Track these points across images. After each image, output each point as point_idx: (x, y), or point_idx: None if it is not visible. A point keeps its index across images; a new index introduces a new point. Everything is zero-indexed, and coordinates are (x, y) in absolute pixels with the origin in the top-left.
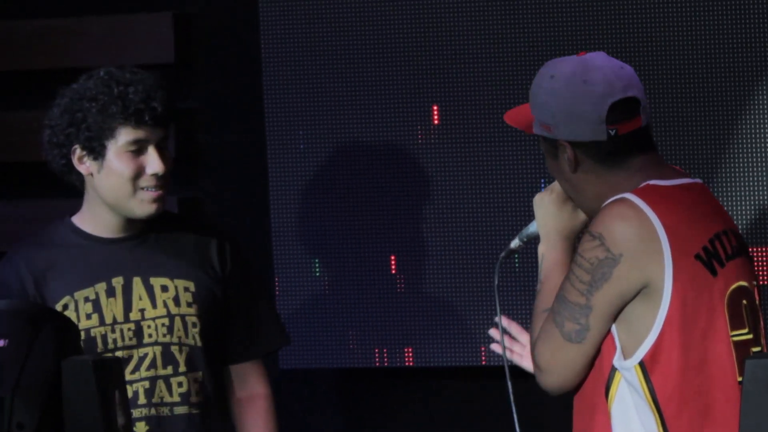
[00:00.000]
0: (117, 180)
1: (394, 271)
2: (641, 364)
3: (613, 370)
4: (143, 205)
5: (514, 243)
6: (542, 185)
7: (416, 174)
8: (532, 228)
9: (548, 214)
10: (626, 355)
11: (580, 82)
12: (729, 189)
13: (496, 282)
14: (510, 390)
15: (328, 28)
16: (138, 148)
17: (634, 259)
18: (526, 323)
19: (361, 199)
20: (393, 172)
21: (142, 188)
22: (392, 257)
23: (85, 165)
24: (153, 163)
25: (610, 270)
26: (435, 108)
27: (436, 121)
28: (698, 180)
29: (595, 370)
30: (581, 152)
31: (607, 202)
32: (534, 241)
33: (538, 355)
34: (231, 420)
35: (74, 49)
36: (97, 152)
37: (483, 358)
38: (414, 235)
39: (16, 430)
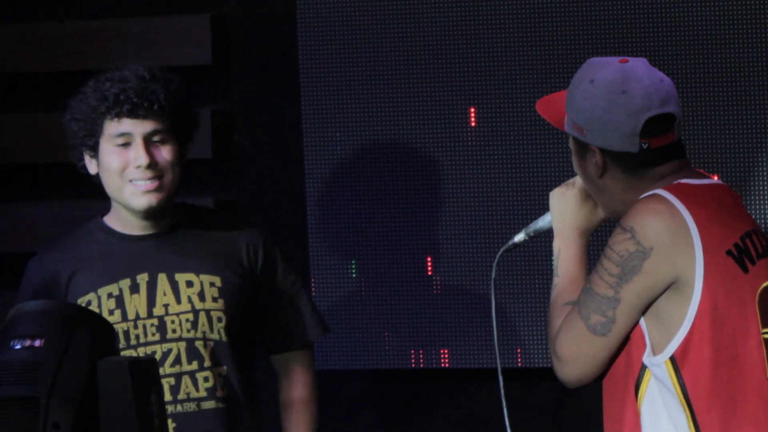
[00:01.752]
0: (108, 175)
1: (430, 273)
2: (672, 359)
3: (643, 368)
4: (135, 198)
5: (519, 237)
6: None
7: (453, 176)
8: (542, 222)
9: (568, 210)
10: (656, 351)
11: (618, 92)
12: (748, 190)
13: (494, 276)
14: (501, 388)
15: (365, 31)
16: (125, 142)
17: (665, 252)
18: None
19: (397, 200)
20: (430, 174)
21: (130, 180)
22: (428, 258)
23: (92, 165)
24: (136, 155)
25: (640, 263)
26: (472, 110)
27: (473, 123)
28: (722, 182)
29: (625, 366)
30: (610, 159)
31: (639, 198)
32: (540, 236)
33: (559, 347)
34: (259, 414)
35: (112, 51)
36: (94, 150)
37: (519, 359)
38: (450, 237)
39: (52, 430)
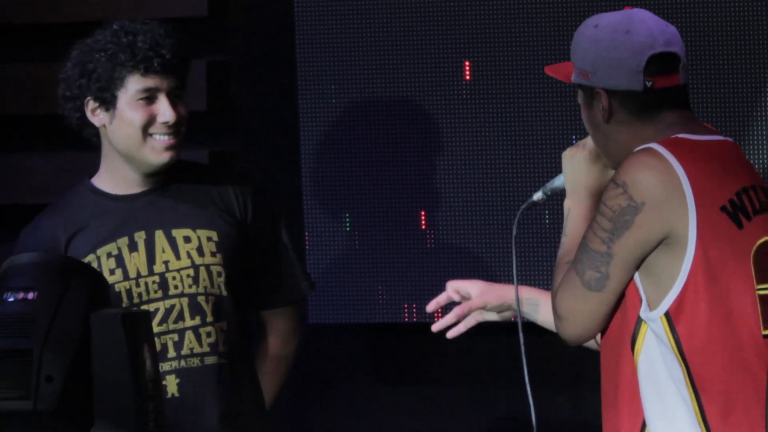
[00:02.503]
0: (129, 129)
1: (424, 227)
2: (667, 315)
3: (639, 321)
4: (155, 154)
5: (537, 195)
6: (573, 141)
7: (448, 130)
8: (558, 182)
9: (578, 170)
10: (651, 306)
11: (623, 32)
12: (759, 148)
13: (515, 233)
14: (522, 344)
15: None
16: (148, 96)
17: (657, 207)
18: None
19: (392, 154)
20: (424, 127)
21: (153, 135)
22: (422, 213)
23: (98, 117)
24: (164, 111)
25: (632, 218)
26: (467, 63)
27: (467, 77)
28: (729, 138)
29: (621, 322)
30: (616, 102)
31: (632, 152)
32: (558, 195)
33: (558, 304)
34: (255, 369)
35: (108, 3)
36: (108, 103)
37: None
38: (444, 191)
39: (45, 383)
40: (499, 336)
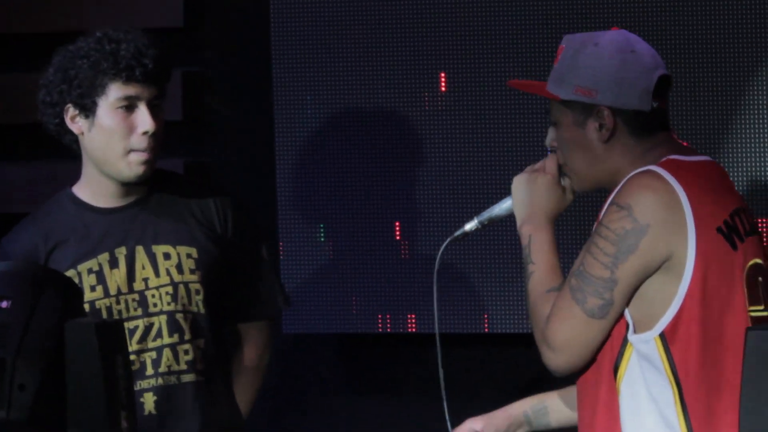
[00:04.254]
0: (107, 138)
1: (398, 237)
2: (662, 335)
3: (624, 346)
4: (132, 167)
5: (471, 225)
6: (548, 152)
7: (423, 141)
8: (498, 210)
9: (539, 195)
10: (640, 329)
11: (629, 51)
12: (735, 165)
13: (437, 267)
14: (439, 357)
15: None
16: (129, 105)
17: (661, 229)
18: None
19: (366, 165)
20: (400, 138)
21: (133, 149)
22: (397, 223)
23: (77, 124)
24: (144, 120)
25: (637, 241)
26: (442, 75)
27: (443, 89)
28: (711, 158)
29: (604, 349)
30: (620, 121)
31: (631, 174)
32: (494, 224)
33: (552, 335)
34: (232, 386)
35: (85, 12)
36: (88, 109)
37: (486, 325)
38: (419, 202)
39: (18, 392)
40: (474, 347)
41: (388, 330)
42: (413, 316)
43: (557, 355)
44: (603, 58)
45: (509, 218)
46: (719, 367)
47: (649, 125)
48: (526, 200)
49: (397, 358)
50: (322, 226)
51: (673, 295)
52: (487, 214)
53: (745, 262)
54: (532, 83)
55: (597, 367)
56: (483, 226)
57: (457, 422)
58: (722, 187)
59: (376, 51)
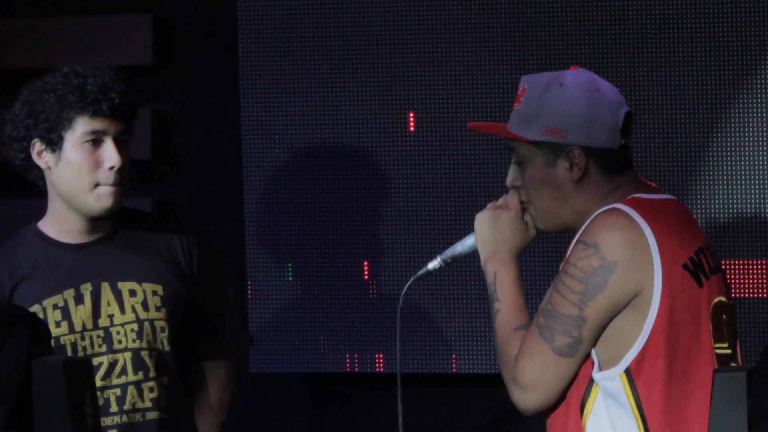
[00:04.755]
0: (74, 173)
1: (366, 277)
2: (627, 371)
3: (590, 384)
4: (100, 200)
5: (434, 264)
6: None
7: (391, 180)
8: (460, 248)
9: (502, 231)
10: (605, 366)
11: (594, 89)
12: (700, 203)
13: (401, 305)
14: (399, 396)
15: (305, 33)
16: (95, 139)
17: (628, 267)
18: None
19: (335, 204)
20: (368, 178)
21: (99, 184)
22: (365, 263)
23: (43, 159)
24: (110, 155)
25: (605, 279)
26: (411, 115)
27: (412, 128)
28: (673, 197)
29: (572, 388)
30: (591, 160)
31: (597, 213)
32: (457, 262)
33: (521, 374)
34: (195, 423)
35: (52, 50)
36: (55, 144)
37: (453, 365)
38: (387, 242)
39: None
40: (442, 387)
41: (356, 369)
42: (381, 355)
43: (526, 394)
44: (571, 98)
45: (473, 255)
46: (684, 402)
47: (618, 162)
48: (489, 237)
49: (364, 397)
50: (290, 264)
51: (639, 331)
52: (450, 252)
53: (710, 299)
54: (494, 124)
55: (565, 406)
56: (446, 265)
57: None
58: (687, 224)
59: (345, 90)
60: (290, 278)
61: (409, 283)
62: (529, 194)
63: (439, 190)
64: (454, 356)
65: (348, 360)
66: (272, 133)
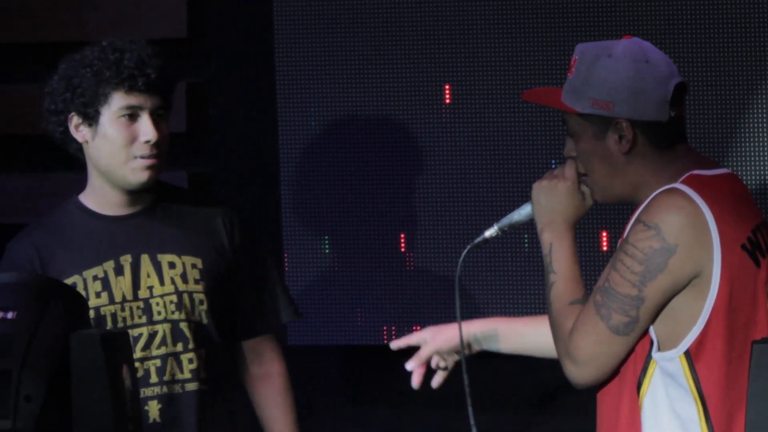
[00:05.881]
0: (110, 147)
1: (403, 249)
2: (687, 353)
3: (647, 363)
4: (136, 174)
5: (491, 232)
6: (553, 164)
7: (427, 152)
8: (517, 216)
9: (560, 202)
10: (664, 347)
11: (643, 61)
12: (748, 174)
13: (458, 273)
14: (466, 384)
15: (341, 6)
16: (131, 114)
17: (689, 249)
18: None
19: (371, 176)
20: (404, 150)
21: (135, 156)
22: (402, 235)
23: (80, 132)
24: (146, 130)
25: (665, 260)
26: (447, 87)
27: (447, 100)
28: (729, 170)
29: (627, 365)
30: (640, 131)
31: (657, 192)
32: (514, 230)
33: (576, 349)
34: (239, 396)
35: (86, 22)
36: (91, 118)
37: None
38: (424, 214)
39: (24, 402)
40: (478, 359)
41: None
42: (418, 327)
43: (579, 369)
44: (618, 71)
45: (527, 224)
46: (741, 383)
47: (668, 135)
48: (545, 207)
49: (402, 369)
50: (326, 237)
51: (699, 313)
52: (507, 220)
53: (766, 278)
54: (546, 95)
55: (619, 382)
56: (503, 233)
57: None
58: (743, 202)
59: (380, 62)
60: (327, 251)
61: (466, 251)
62: (584, 166)
63: (475, 162)
64: None
65: (385, 332)
66: (308, 105)
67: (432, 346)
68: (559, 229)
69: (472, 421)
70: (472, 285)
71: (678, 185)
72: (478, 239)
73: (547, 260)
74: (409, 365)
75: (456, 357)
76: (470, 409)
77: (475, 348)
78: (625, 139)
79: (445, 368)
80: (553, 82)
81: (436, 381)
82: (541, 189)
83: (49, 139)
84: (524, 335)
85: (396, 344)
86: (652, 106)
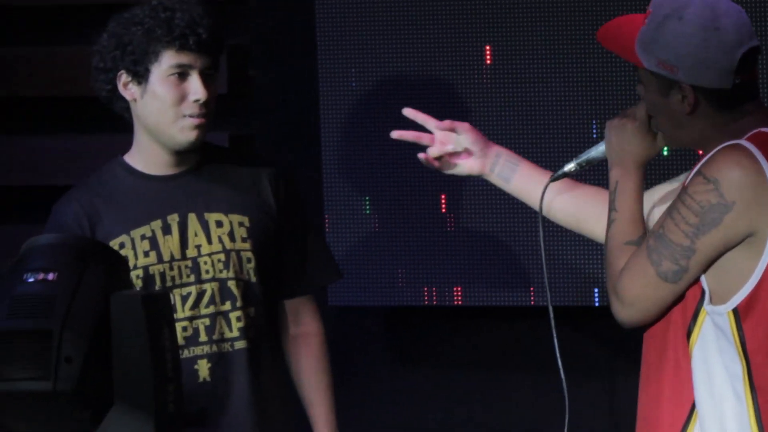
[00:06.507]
0: (159, 105)
1: (444, 210)
2: (735, 311)
3: (698, 312)
4: (184, 132)
5: (570, 166)
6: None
7: (468, 113)
8: (594, 153)
9: (628, 142)
10: (716, 301)
11: (711, 29)
12: None
13: (541, 204)
14: (553, 326)
15: None
16: (181, 73)
17: (746, 207)
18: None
19: None
20: (445, 111)
21: (184, 115)
22: (443, 196)
23: (129, 90)
24: (195, 89)
25: (720, 216)
26: (488, 48)
27: (488, 61)
28: None
29: (678, 310)
30: (702, 96)
31: (721, 147)
32: (591, 166)
33: (623, 289)
34: (281, 355)
35: None
36: (141, 76)
37: (532, 298)
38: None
39: (65, 363)
40: (520, 320)
41: (435, 303)
42: (459, 288)
43: (625, 309)
44: (685, 36)
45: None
46: None
47: (732, 100)
48: (616, 145)
49: (443, 330)
50: (367, 198)
51: (751, 272)
52: (584, 156)
53: None
54: (620, 39)
55: (667, 326)
56: (581, 168)
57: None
58: None
59: (421, 24)
60: (367, 212)
61: (548, 183)
62: (651, 113)
63: (515, 123)
64: (532, 289)
65: (426, 293)
66: (349, 66)
67: (459, 127)
68: (627, 168)
69: (562, 374)
70: (504, 245)
71: (742, 141)
72: (558, 173)
73: (612, 197)
74: (408, 112)
75: (458, 156)
76: (559, 361)
77: (491, 162)
78: (687, 101)
79: (445, 152)
80: (595, 42)
81: (432, 152)
82: (612, 127)
83: (91, 101)
84: (537, 182)
85: (410, 112)
86: (715, 74)
